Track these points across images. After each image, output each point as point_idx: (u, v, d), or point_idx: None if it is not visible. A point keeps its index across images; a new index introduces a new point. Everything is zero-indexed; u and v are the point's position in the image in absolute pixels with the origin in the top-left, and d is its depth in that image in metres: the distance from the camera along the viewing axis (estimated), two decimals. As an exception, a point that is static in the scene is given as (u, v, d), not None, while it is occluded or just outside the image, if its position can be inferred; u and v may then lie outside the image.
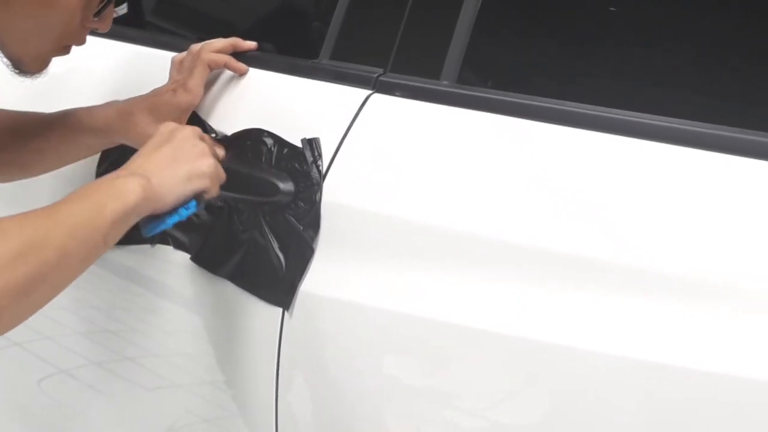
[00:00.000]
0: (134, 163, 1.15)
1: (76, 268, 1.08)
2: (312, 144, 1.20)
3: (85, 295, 1.51)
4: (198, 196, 1.16)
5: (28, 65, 1.24)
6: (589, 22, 1.30)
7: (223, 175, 1.20)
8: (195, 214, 1.28)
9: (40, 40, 1.22)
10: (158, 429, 1.44)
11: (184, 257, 1.32)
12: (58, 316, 1.57)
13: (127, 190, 1.10)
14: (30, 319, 1.58)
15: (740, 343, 0.90)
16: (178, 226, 1.31)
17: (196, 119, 1.33)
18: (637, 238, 0.97)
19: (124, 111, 1.36)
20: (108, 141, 1.39)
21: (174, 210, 1.15)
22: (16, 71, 1.24)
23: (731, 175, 0.96)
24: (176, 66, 1.38)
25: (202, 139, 1.19)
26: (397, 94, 1.19)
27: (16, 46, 1.22)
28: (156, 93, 1.35)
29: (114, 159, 1.42)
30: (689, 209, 0.97)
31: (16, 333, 1.61)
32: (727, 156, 0.96)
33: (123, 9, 1.47)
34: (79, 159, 1.44)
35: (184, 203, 1.15)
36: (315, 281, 1.18)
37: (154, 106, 1.34)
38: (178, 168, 1.15)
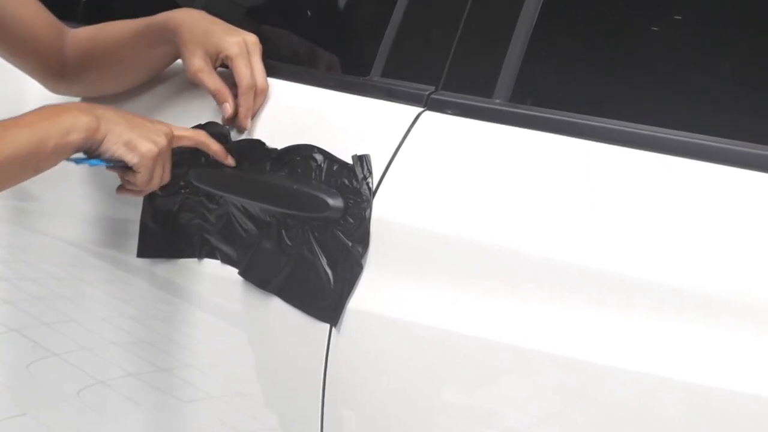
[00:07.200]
0: (99, 107, 1.23)
1: None
2: (363, 161, 1.20)
3: (122, 306, 1.52)
4: (121, 163, 1.25)
5: None
6: (634, 42, 1.30)
7: (157, 169, 1.25)
8: (243, 228, 1.30)
9: None
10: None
11: (231, 271, 1.32)
12: (96, 327, 1.57)
13: (73, 128, 1.18)
14: (68, 329, 1.60)
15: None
16: (227, 240, 1.32)
17: (247, 137, 1.33)
18: (694, 262, 0.97)
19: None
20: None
21: (98, 156, 1.24)
22: None
23: None
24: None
25: (166, 137, 1.25)
26: (449, 112, 1.19)
27: None
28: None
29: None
30: (746, 231, 0.96)
31: (55, 343, 1.63)
32: None
33: None
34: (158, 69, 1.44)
35: (109, 159, 1.25)
36: (363, 298, 1.18)
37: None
38: (126, 132, 1.22)
